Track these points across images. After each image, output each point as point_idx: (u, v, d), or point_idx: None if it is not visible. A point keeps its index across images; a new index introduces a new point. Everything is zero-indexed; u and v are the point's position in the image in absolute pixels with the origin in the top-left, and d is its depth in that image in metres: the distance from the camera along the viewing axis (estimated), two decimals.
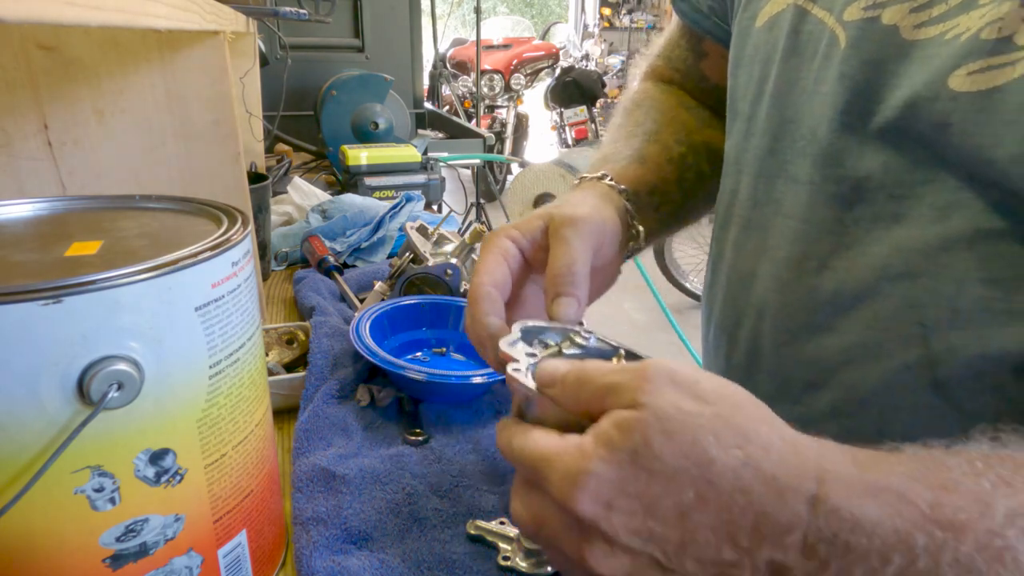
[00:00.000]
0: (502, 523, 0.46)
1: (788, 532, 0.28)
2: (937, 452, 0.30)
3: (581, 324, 0.44)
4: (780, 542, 0.28)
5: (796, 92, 0.46)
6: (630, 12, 8.52)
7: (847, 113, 0.43)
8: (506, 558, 0.43)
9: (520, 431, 0.34)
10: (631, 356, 0.42)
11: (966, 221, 0.38)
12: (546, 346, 0.45)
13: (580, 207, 0.46)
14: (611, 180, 0.52)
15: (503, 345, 0.44)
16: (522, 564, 0.43)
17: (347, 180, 1.36)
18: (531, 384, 0.39)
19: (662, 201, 0.56)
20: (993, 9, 0.36)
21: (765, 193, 0.49)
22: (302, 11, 1.37)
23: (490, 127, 5.49)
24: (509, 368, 0.43)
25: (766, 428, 0.29)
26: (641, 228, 0.52)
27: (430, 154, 1.47)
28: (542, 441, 0.33)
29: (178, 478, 0.34)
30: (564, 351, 0.44)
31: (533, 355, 0.44)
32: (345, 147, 1.38)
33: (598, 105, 5.89)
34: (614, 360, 0.41)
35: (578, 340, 0.45)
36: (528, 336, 0.45)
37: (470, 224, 2.71)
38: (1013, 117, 0.35)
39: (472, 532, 0.46)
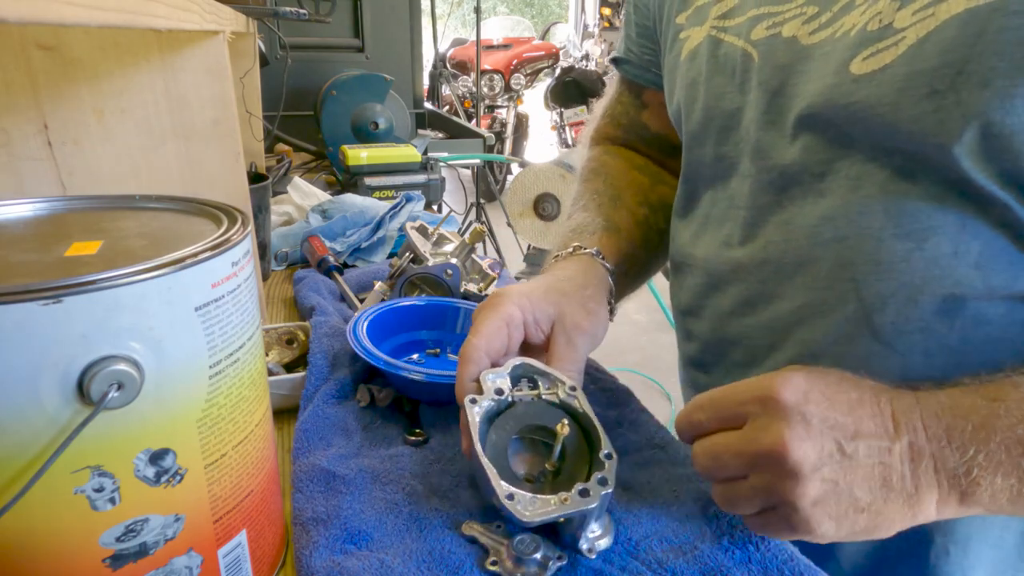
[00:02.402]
0: (498, 527, 0.46)
1: (912, 411, 0.39)
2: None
3: (574, 386, 0.49)
4: (910, 423, 0.38)
5: (725, 103, 0.54)
6: None
7: (768, 112, 0.50)
8: (494, 562, 0.43)
9: (695, 400, 0.43)
10: (574, 422, 0.47)
11: (876, 187, 0.44)
12: (533, 386, 0.48)
13: (587, 311, 0.53)
14: (603, 259, 0.59)
15: (484, 376, 0.46)
16: (509, 571, 0.42)
17: (347, 180, 1.36)
18: (475, 419, 0.44)
19: (631, 265, 0.64)
20: (871, 7, 0.44)
21: (722, 190, 0.56)
22: (302, 11, 1.37)
23: (490, 127, 5.49)
24: (466, 399, 0.45)
25: None
26: (616, 306, 0.61)
27: (430, 154, 1.47)
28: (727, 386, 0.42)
29: (178, 478, 0.34)
30: (542, 395, 0.48)
31: (501, 392, 0.45)
32: (345, 147, 1.38)
33: None
34: (559, 425, 0.45)
35: (560, 393, 0.48)
36: (518, 371, 0.48)
37: (470, 224, 2.71)
38: (903, 84, 0.42)
39: (466, 533, 0.45)
